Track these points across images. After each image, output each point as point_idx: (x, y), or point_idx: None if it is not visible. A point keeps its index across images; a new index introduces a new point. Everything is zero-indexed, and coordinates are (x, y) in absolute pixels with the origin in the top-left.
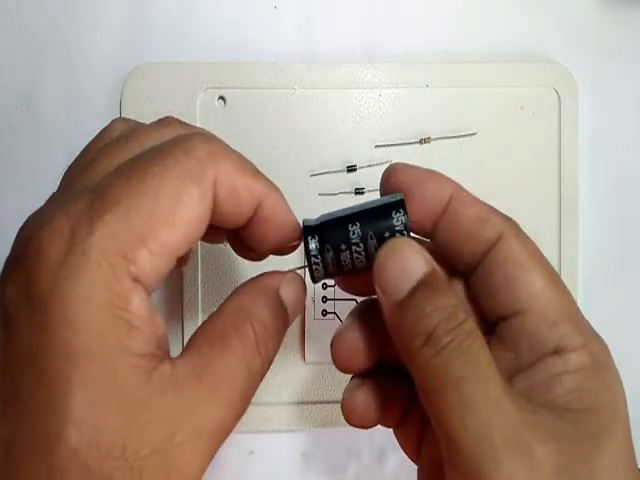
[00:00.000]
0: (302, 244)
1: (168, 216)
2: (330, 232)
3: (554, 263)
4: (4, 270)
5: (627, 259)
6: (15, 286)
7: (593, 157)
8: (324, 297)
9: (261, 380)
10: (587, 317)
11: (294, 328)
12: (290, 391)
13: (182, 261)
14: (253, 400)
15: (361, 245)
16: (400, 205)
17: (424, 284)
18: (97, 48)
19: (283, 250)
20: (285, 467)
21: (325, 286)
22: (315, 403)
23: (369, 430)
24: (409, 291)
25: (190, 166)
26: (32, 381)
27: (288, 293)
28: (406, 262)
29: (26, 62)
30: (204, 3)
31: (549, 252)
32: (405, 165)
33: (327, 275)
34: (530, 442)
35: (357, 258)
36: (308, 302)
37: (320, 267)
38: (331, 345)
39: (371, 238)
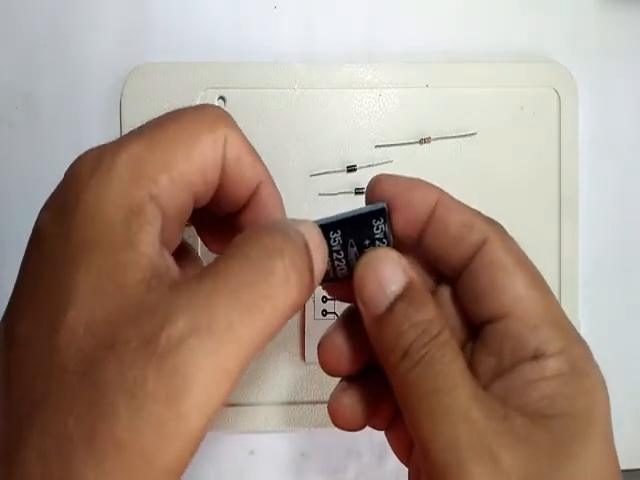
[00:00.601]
0: None
1: (186, 150)
2: None
3: (554, 263)
4: (43, 206)
5: (627, 259)
6: (49, 209)
7: (593, 157)
8: (324, 297)
9: (288, 298)
10: (587, 317)
11: (294, 328)
12: (290, 391)
13: None
14: (253, 400)
15: (342, 252)
16: (381, 213)
17: (401, 298)
18: (97, 48)
19: None
20: (285, 467)
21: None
22: (315, 403)
23: (369, 430)
24: (387, 306)
25: (205, 119)
26: (48, 272)
27: (302, 225)
28: (384, 275)
29: (26, 62)
30: (204, 3)
31: (549, 252)
32: (389, 176)
33: None
34: (496, 449)
35: (338, 266)
36: (308, 302)
37: None
38: (318, 348)
39: (351, 246)
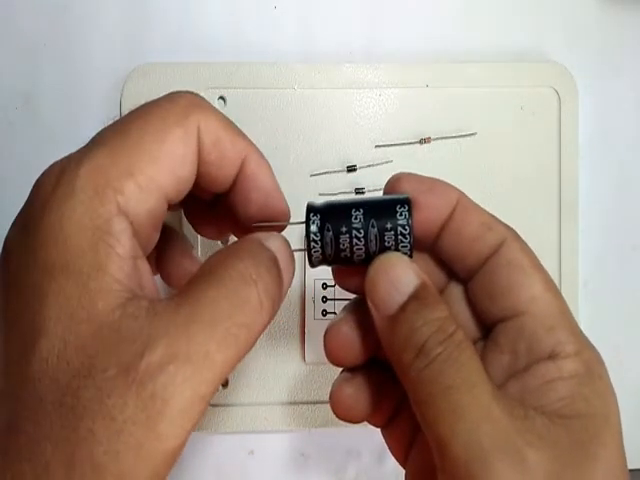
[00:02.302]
0: (301, 226)
1: (152, 152)
2: (333, 213)
3: (554, 263)
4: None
5: (627, 259)
6: (16, 225)
7: (593, 157)
8: (324, 297)
9: (260, 324)
10: (587, 317)
11: (294, 328)
12: (290, 391)
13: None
14: (253, 400)
15: (362, 231)
16: (406, 202)
17: (414, 298)
18: (97, 48)
19: (268, 219)
20: (285, 467)
21: (325, 286)
22: (315, 403)
23: (369, 430)
24: (400, 306)
25: (173, 111)
26: (15, 298)
27: (273, 243)
28: (396, 277)
29: (26, 62)
30: (204, 3)
31: (549, 252)
32: (409, 174)
33: (325, 259)
34: (521, 446)
35: (356, 244)
36: (308, 303)
37: (318, 247)
38: (324, 336)
39: (372, 226)
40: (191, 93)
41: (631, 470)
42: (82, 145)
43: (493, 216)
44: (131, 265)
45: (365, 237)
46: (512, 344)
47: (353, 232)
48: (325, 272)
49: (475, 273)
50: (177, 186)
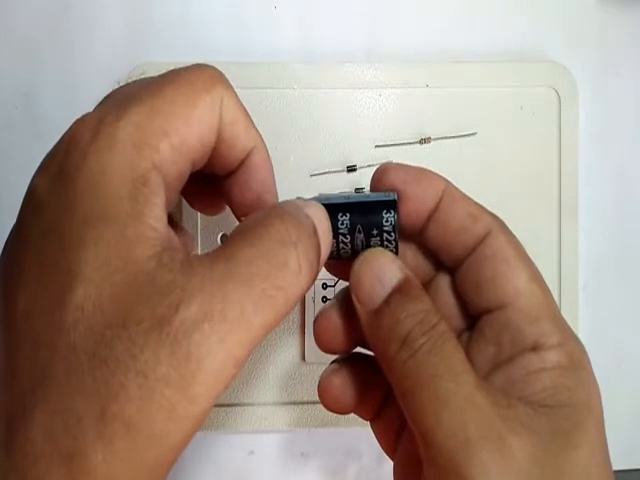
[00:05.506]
0: None
1: (185, 115)
2: None
3: (554, 263)
4: (38, 168)
5: (627, 259)
6: (47, 174)
7: (593, 157)
8: (324, 297)
9: (298, 290)
10: (587, 317)
11: (294, 328)
12: (290, 391)
13: None
14: (253, 400)
15: (348, 237)
16: (392, 205)
17: (398, 291)
18: (97, 48)
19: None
20: (285, 467)
21: (325, 286)
22: (315, 403)
23: (369, 430)
24: (384, 299)
25: (202, 79)
26: (52, 245)
27: (311, 211)
28: (380, 272)
29: (26, 62)
30: (204, 3)
31: (549, 252)
32: (397, 165)
33: None
34: (504, 433)
35: (343, 248)
36: (308, 302)
37: None
38: (314, 322)
39: (359, 232)
40: (215, 67)
41: (632, 470)
42: None
43: (480, 206)
44: (166, 219)
45: (352, 242)
46: (497, 335)
47: (339, 237)
48: (325, 272)
49: (461, 264)
50: (202, 152)
